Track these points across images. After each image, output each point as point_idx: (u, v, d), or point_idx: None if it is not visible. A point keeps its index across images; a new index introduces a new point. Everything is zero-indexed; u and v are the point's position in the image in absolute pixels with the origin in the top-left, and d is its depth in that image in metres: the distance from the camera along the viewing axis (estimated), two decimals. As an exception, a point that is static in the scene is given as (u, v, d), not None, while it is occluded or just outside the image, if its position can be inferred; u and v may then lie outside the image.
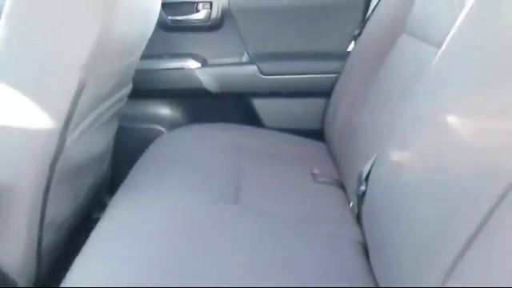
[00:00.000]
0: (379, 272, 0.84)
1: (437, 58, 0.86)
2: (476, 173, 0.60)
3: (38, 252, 1.04)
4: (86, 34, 0.89)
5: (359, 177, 1.02)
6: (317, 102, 1.57)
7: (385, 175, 0.90)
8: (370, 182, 0.96)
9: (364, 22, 1.44)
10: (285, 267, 0.85)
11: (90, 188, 1.32)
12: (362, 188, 0.99)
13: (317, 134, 1.53)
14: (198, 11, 1.56)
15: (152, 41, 1.36)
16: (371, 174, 0.97)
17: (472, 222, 0.56)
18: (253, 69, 1.58)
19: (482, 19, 0.77)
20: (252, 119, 1.63)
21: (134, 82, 1.42)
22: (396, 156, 0.88)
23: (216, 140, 1.41)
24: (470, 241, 0.56)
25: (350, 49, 1.48)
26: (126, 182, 1.16)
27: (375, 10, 1.42)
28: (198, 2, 1.55)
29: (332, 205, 1.13)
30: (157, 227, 0.94)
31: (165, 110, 1.67)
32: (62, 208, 1.13)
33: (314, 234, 0.99)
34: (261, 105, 1.64)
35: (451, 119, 0.72)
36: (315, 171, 1.27)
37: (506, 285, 0.49)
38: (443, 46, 0.86)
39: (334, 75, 1.49)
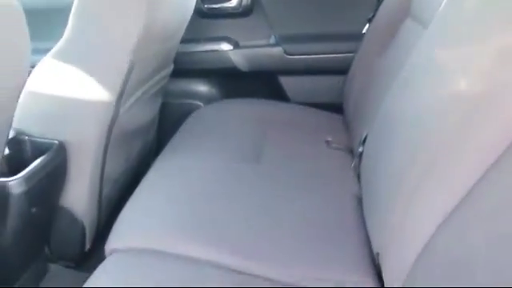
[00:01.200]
0: (369, 221, 1.01)
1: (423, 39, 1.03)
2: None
3: (99, 200, 1.30)
4: (134, 25, 1.12)
5: (359, 141, 1.21)
6: (335, 79, 1.74)
7: (374, 139, 1.09)
8: (365, 144, 1.15)
9: (377, 5, 1.58)
10: (295, 216, 1.06)
11: (139, 153, 1.57)
12: (360, 149, 1.18)
13: (336, 108, 1.70)
14: (230, 0, 1.76)
15: (190, 26, 1.58)
16: (367, 137, 1.15)
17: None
18: (279, 50, 1.78)
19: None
20: (278, 95, 1.84)
21: (175, 62, 1.66)
22: (381, 122, 1.06)
23: (245, 113, 1.63)
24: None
25: (364, 30, 1.63)
26: (168, 146, 1.40)
27: (387, -6, 1.56)
28: (229, -8, 1.76)
29: (339, 166, 1.32)
30: (193, 178, 1.17)
31: (202, 87, 1.90)
32: (117, 166, 1.38)
33: (321, 189, 1.19)
34: (286, 82, 1.83)
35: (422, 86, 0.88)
36: (329, 138, 1.46)
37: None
38: (428, 29, 1.02)
39: (351, 54, 1.65)
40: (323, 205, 1.11)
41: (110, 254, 0.94)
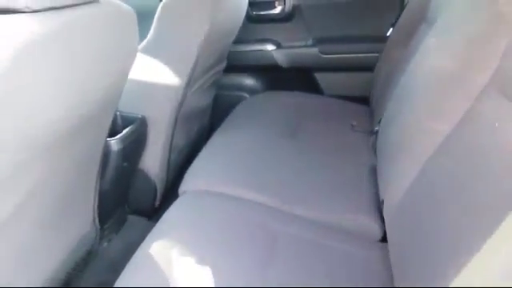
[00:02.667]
0: (381, 186, 1.27)
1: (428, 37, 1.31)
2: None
3: (168, 165, 1.65)
4: (201, 28, 1.45)
5: (377, 121, 1.50)
6: (364, 75, 2.02)
7: (386, 119, 1.38)
8: (380, 124, 1.44)
9: (399, 12, 1.86)
10: (321, 175, 1.36)
11: (197, 131, 1.91)
12: (376, 128, 1.47)
13: (362, 100, 1.98)
14: (275, 7, 2.09)
15: (241, 30, 1.91)
16: (382, 118, 1.44)
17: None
18: (315, 50, 2.08)
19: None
20: (313, 88, 2.14)
21: (228, 60, 1.99)
22: (392, 105, 1.35)
23: (284, 102, 1.94)
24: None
25: (388, 33, 1.91)
26: (222, 125, 1.72)
27: (409, 2, 1.83)
28: (275, 1, 2.08)
29: (359, 143, 1.60)
30: (243, 145, 1.50)
31: (248, 81, 2.24)
32: (181, 139, 1.72)
33: (343, 159, 1.48)
34: (320, 77, 2.14)
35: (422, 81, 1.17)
36: (354, 123, 1.75)
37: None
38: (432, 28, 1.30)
39: (376, 54, 1.93)
40: (343, 170, 1.41)
41: (182, 195, 1.27)
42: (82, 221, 1.22)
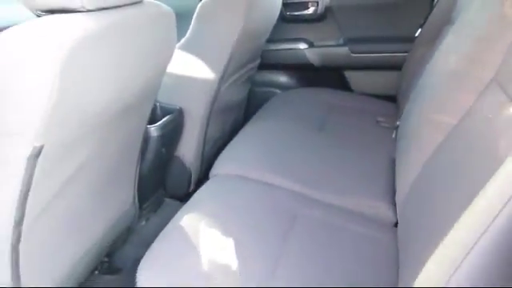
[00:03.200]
0: (396, 175, 1.36)
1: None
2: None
3: (202, 154, 1.78)
4: (235, 28, 1.58)
5: (399, 117, 1.59)
6: (392, 74, 2.10)
7: (406, 113, 1.46)
8: (401, 118, 1.52)
9: (427, 14, 1.92)
10: (343, 164, 1.46)
11: (231, 125, 2.04)
12: (398, 123, 1.55)
13: (390, 98, 2.05)
14: (307, 8, 2.19)
15: (275, 29, 2.03)
16: (402, 113, 1.52)
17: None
18: (345, 49, 2.17)
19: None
20: (343, 86, 2.23)
21: (262, 57, 2.11)
22: (411, 100, 1.43)
23: (315, 98, 2.04)
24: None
25: (416, 34, 1.97)
26: (254, 117, 1.84)
27: (437, 4, 1.88)
28: (308, 2, 2.17)
29: (383, 137, 1.68)
30: (273, 135, 1.61)
31: (281, 78, 2.35)
32: (215, 131, 1.85)
33: (365, 150, 1.57)
34: (350, 75, 2.23)
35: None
36: (380, 119, 1.83)
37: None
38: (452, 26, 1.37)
39: (405, 54, 2.00)
40: (365, 160, 1.50)
41: (212, 177, 1.40)
42: (124, 198, 1.37)
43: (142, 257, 1.50)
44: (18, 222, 0.90)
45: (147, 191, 1.59)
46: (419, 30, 1.97)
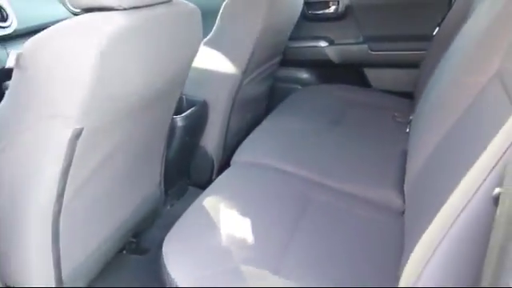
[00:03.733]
0: (408, 167, 1.43)
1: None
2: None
3: (224, 145, 1.88)
4: (256, 25, 1.68)
5: (413, 112, 1.65)
6: (410, 71, 2.15)
7: (418, 108, 1.53)
8: (415, 113, 1.59)
9: (445, 13, 1.97)
10: (356, 155, 1.54)
11: (253, 117, 2.14)
12: (411, 117, 1.62)
13: (407, 95, 2.11)
14: (328, 7, 2.26)
15: (296, 27, 2.11)
16: (416, 107, 1.59)
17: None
18: (365, 47, 2.24)
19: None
20: (362, 82, 2.31)
21: (284, 54, 2.20)
22: (424, 96, 1.50)
23: (333, 94, 2.12)
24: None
25: (434, 33, 2.03)
26: (275, 110, 1.94)
27: (455, 3, 1.93)
28: (329, 1, 2.25)
29: (397, 131, 1.75)
30: (292, 127, 1.70)
31: (302, 75, 2.43)
32: (237, 124, 1.95)
33: (378, 143, 1.65)
34: (369, 72, 2.30)
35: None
36: (396, 114, 1.90)
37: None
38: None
39: (423, 52, 2.06)
40: (377, 151, 1.58)
41: (233, 165, 1.50)
42: (150, 181, 1.48)
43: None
44: (60, 196, 1.01)
45: (172, 178, 1.70)
46: (437, 29, 2.02)
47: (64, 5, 2.29)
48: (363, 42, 2.26)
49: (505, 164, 0.63)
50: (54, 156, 0.96)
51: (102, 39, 0.88)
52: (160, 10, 1.06)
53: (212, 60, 1.73)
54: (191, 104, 1.71)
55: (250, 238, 1.09)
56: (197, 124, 1.72)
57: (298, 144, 1.59)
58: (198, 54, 1.34)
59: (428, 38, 2.04)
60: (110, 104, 0.98)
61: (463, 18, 1.77)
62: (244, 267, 1.00)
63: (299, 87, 2.39)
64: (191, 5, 1.22)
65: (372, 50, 2.24)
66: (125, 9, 0.96)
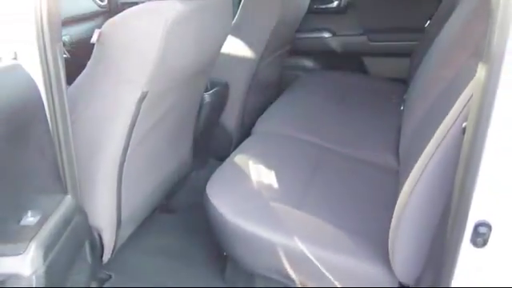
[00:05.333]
0: (402, 134, 1.70)
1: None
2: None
3: (242, 121, 2.14)
4: (273, 15, 1.94)
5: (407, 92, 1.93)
6: (404, 60, 2.42)
7: (410, 90, 1.80)
8: (407, 93, 1.86)
9: (436, 7, 2.23)
10: (357, 130, 1.81)
11: (267, 99, 2.40)
12: (404, 97, 1.89)
13: (402, 80, 2.38)
14: (332, 2, 2.54)
15: (303, 20, 2.38)
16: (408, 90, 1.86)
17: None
18: (364, 38, 2.52)
19: None
20: (361, 70, 2.58)
21: (292, 44, 2.46)
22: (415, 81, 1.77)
23: (336, 79, 2.39)
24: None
25: (426, 25, 2.29)
26: (284, 92, 2.20)
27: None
28: (332, -4, 2.53)
29: (393, 110, 2.02)
30: (302, 103, 1.98)
31: (308, 63, 2.70)
32: (254, 103, 2.21)
33: (374, 118, 1.92)
34: (367, 61, 2.57)
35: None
36: (392, 96, 2.16)
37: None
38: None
39: (415, 42, 2.33)
40: (376, 124, 1.85)
41: (253, 134, 1.77)
42: (184, 148, 1.74)
43: (193, 202, 1.88)
44: (125, 149, 1.27)
45: (196, 149, 1.95)
46: (428, 22, 2.29)
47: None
48: (363, 34, 2.54)
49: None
50: (124, 115, 1.22)
51: (166, 22, 1.14)
52: (207, 1, 1.32)
53: (233, 46, 1.99)
54: (214, 85, 1.96)
55: (275, 183, 1.36)
56: (219, 102, 1.98)
57: (309, 117, 1.86)
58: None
59: (421, 30, 2.31)
60: (169, 74, 1.24)
61: (450, 12, 2.03)
62: (272, 203, 1.27)
63: (303, 74, 2.66)
64: (226, -3, 1.50)
65: (370, 41, 2.51)
66: (182, -1, 1.22)
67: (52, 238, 0.74)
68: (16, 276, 0.66)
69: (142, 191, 1.50)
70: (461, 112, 0.92)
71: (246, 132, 2.20)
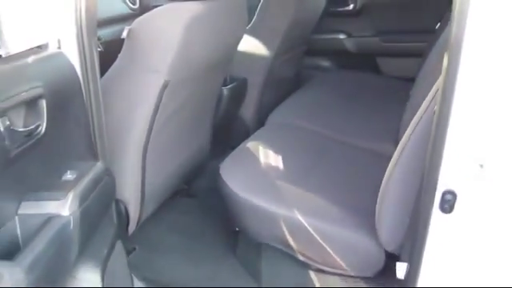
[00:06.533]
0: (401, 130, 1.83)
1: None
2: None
3: (259, 116, 2.30)
4: (286, 17, 2.10)
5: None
6: (416, 60, 2.53)
7: (415, 86, 1.93)
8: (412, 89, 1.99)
9: (446, 9, 2.35)
10: (362, 123, 1.95)
11: (281, 95, 2.55)
12: (410, 92, 2.02)
13: (413, 80, 2.50)
14: (348, 5, 2.68)
15: (320, 22, 2.53)
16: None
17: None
18: (377, 39, 2.65)
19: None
20: (375, 69, 2.70)
21: (309, 45, 2.62)
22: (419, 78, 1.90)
23: (350, 78, 2.53)
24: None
25: (437, 27, 2.40)
26: (299, 90, 2.36)
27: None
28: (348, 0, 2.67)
29: (400, 106, 2.14)
30: (312, 101, 2.13)
31: (324, 62, 2.85)
32: (270, 99, 2.37)
33: (383, 113, 2.05)
34: (380, 61, 2.70)
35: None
36: (401, 94, 2.29)
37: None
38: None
39: (426, 43, 2.44)
40: (379, 116, 1.99)
41: (266, 124, 1.93)
42: (203, 136, 1.91)
43: (211, 187, 2.05)
44: (148, 132, 1.45)
45: (215, 139, 2.13)
46: (439, 24, 2.40)
47: (124, 2, 2.77)
48: (376, 35, 2.67)
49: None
50: (148, 101, 1.39)
51: (185, 20, 1.32)
52: (221, 2, 1.49)
53: (251, 45, 2.16)
54: (233, 80, 2.13)
55: (281, 166, 1.51)
56: (238, 96, 2.15)
57: (319, 111, 2.01)
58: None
59: (432, 31, 2.42)
60: (188, 64, 1.41)
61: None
62: (278, 182, 1.43)
63: (320, 73, 2.80)
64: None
65: (383, 42, 2.63)
66: (199, 0, 1.40)
67: (85, 191, 0.91)
68: (58, 216, 0.84)
69: (163, 171, 1.68)
70: (434, 96, 1.06)
71: (262, 125, 2.36)
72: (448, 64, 0.91)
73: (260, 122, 2.32)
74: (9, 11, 0.93)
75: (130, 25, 2.49)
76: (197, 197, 2.09)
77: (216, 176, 1.58)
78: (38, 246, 0.76)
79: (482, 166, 0.93)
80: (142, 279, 1.53)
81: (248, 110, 2.25)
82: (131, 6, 2.80)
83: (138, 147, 1.45)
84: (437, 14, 2.46)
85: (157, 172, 1.61)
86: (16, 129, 0.80)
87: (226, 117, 2.12)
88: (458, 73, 0.90)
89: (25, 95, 0.82)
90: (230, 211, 1.48)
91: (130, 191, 1.49)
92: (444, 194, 0.98)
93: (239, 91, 2.14)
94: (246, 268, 1.58)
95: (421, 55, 2.47)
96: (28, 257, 0.73)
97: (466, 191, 0.97)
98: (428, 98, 1.09)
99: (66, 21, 1.09)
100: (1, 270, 0.68)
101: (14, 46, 0.90)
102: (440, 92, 0.94)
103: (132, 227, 1.55)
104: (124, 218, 1.45)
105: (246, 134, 2.27)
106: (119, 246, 1.17)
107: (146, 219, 1.64)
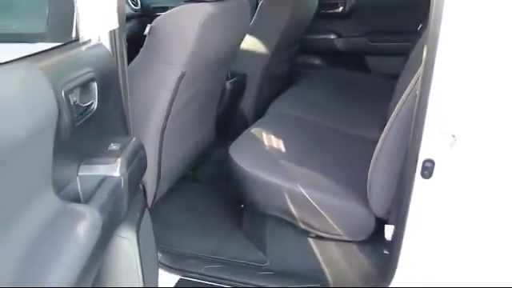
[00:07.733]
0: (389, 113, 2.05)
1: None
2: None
3: (257, 109, 2.50)
4: (283, 18, 2.31)
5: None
6: (401, 59, 2.75)
7: (399, 81, 2.14)
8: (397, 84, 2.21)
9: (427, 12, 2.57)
10: (354, 115, 2.15)
11: (278, 91, 2.76)
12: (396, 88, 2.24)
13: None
14: (338, 7, 2.89)
15: (312, 23, 2.74)
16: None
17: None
18: (365, 39, 2.87)
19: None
20: (363, 67, 2.92)
21: (301, 44, 2.82)
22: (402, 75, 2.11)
23: (340, 76, 2.74)
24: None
25: (418, 28, 2.63)
26: (294, 85, 2.56)
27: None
28: (338, 2, 2.89)
29: (387, 99, 2.36)
30: (306, 94, 2.33)
31: (315, 61, 3.06)
32: (267, 94, 2.57)
33: (370, 105, 2.25)
34: (369, 59, 2.92)
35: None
36: (387, 89, 2.51)
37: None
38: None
39: (410, 43, 2.66)
40: (369, 108, 2.18)
41: (266, 114, 2.13)
42: (209, 125, 2.10)
43: (215, 173, 2.25)
44: (166, 118, 1.63)
45: (218, 130, 2.32)
46: (420, 25, 2.63)
47: (127, 3, 2.95)
48: (364, 35, 2.89)
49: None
50: (167, 89, 1.58)
51: (201, 18, 1.51)
52: (230, 4, 1.69)
53: (250, 43, 2.36)
54: (234, 75, 2.33)
55: (284, 148, 1.72)
56: (239, 89, 2.34)
57: (314, 104, 2.21)
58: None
59: (414, 32, 2.64)
60: (202, 58, 1.60)
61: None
62: (281, 161, 1.63)
63: (311, 71, 3.02)
64: (245, 1, 1.86)
65: (371, 42, 2.86)
66: (212, 1, 1.59)
67: (129, 159, 1.10)
68: (111, 177, 1.03)
69: (176, 154, 1.86)
70: (416, 81, 1.27)
71: (259, 117, 2.56)
72: (427, 55, 1.12)
73: (257, 114, 2.52)
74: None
75: (132, 26, 2.68)
76: (202, 182, 2.27)
77: (220, 166, 1.76)
78: (102, 196, 0.94)
79: (454, 136, 1.13)
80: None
81: (247, 104, 2.45)
82: (133, 7, 3.00)
83: (157, 131, 1.63)
84: (419, 16, 2.69)
85: (171, 154, 1.79)
86: (80, 104, 0.99)
87: (228, 109, 2.31)
88: (436, 61, 1.11)
89: (83, 77, 1.01)
90: (238, 186, 1.67)
91: (148, 171, 1.67)
92: (424, 162, 1.19)
93: (240, 85, 2.34)
94: (251, 240, 1.77)
95: (405, 54, 2.70)
96: (98, 201, 0.91)
97: (442, 159, 1.18)
98: (411, 84, 1.30)
99: (105, 20, 1.28)
100: (82, 209, 0.87)
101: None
102: (420, 78, 1.15)
103: (148, 205, 1.73)
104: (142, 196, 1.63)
105: (245, 125, 2.47)
106: (147, 213, 1.35)
107: (157, 200, 1.82)
